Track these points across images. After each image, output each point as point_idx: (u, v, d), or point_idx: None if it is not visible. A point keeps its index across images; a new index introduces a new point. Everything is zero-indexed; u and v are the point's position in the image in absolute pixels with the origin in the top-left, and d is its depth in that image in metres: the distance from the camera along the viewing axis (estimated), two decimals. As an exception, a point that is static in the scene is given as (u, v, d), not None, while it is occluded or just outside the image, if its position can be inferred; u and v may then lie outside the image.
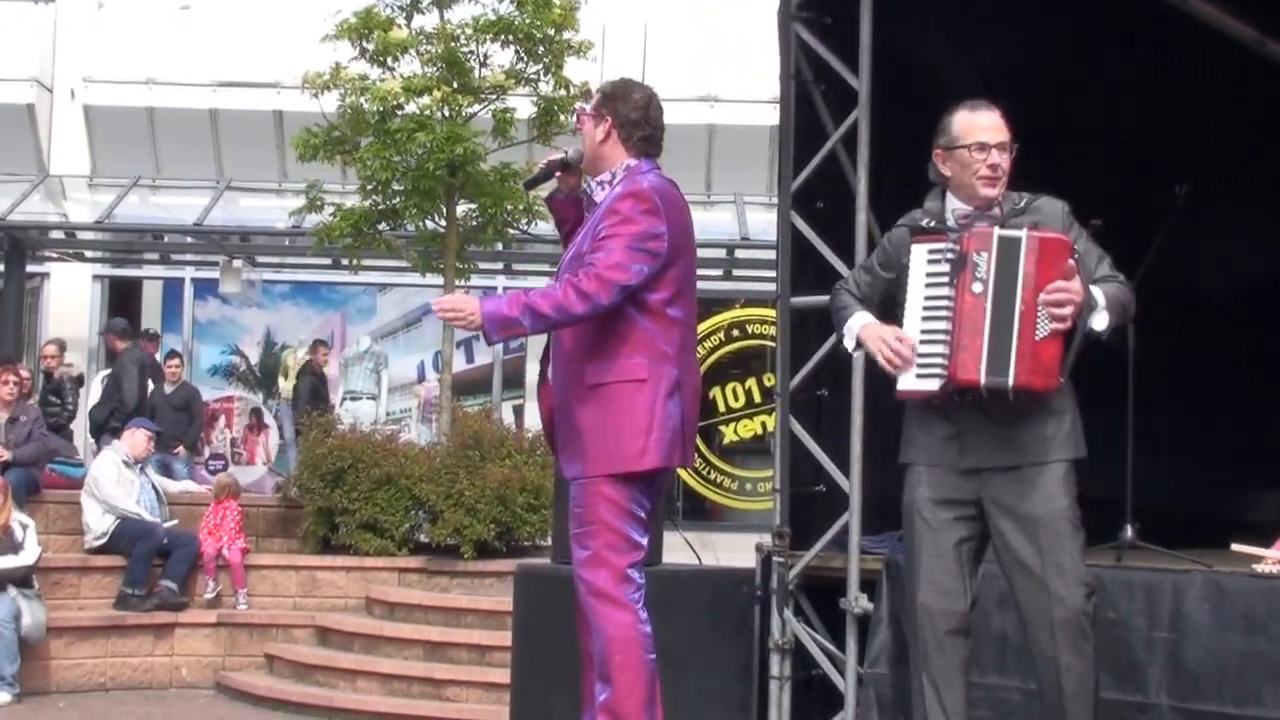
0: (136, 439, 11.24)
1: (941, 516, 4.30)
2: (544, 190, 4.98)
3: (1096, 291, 4.15)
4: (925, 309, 4.27)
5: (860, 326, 4.43)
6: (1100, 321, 4.16)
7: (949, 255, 4.23)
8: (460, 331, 14.73)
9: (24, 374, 11.36)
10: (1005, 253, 4.14)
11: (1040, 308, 4.06)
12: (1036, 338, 4.08)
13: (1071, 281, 4.05)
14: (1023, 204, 4.29)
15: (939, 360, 4.21)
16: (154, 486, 11.23)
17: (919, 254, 4.30)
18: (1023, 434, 4.19)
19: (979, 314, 4.15)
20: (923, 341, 4.26)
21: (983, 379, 4.13)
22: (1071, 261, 4.07)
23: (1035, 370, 4.09)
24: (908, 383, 4.28)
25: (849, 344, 4.53)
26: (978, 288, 4.15)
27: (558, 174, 4.66)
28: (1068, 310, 4.05)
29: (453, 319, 4.35)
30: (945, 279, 4.23)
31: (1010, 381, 4.10)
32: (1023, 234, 4.12)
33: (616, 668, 4.27)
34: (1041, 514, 4.16)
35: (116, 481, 10.83)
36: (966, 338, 4.15)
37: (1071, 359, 4.16)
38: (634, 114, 4.49)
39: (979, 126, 4.32)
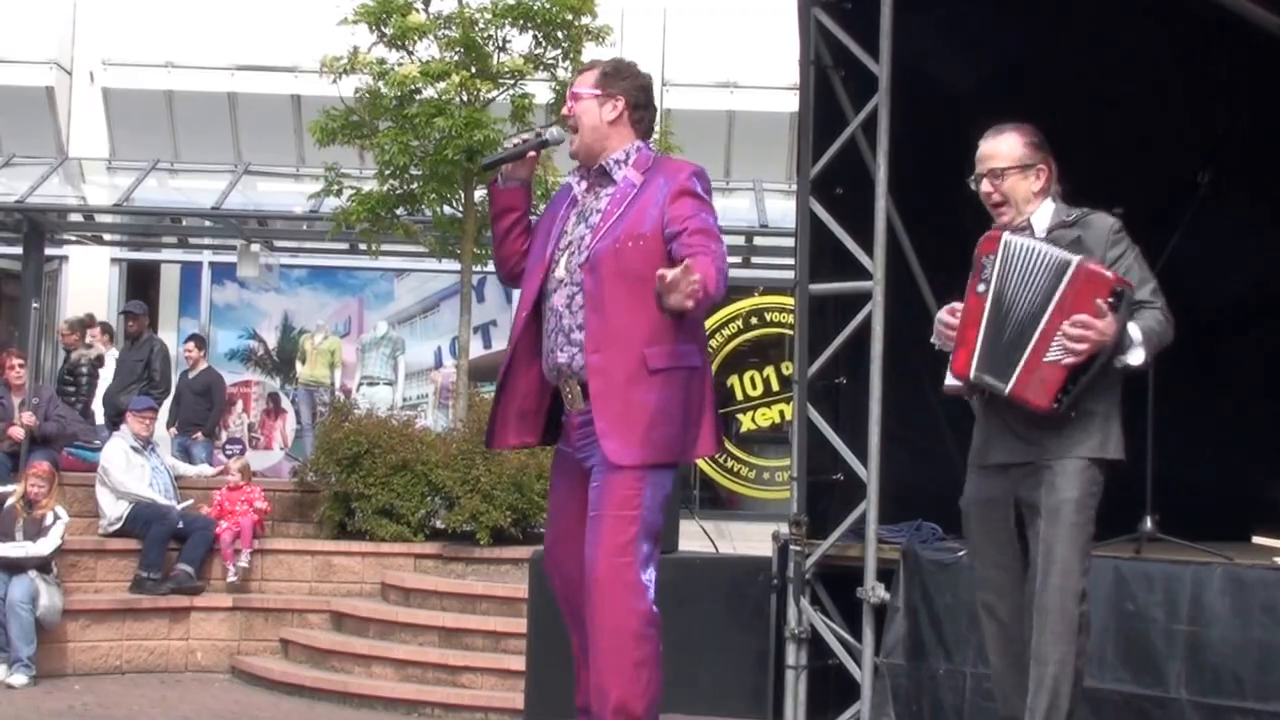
0: (136, 418, 11.24)
1: (986, 515, 4.35)
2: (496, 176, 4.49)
3: (1134, 328, 4.13)
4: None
5: None
6: (1136, 358, 4.16)
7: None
8: (477, 317, 14.77)
9: (18, 361, 11.37)
10: (1012, 258, 4.19)
11: (1059, 334, 4.08)
12: (1045, 359, 4.11)
13: (1100, 320, 4.04)
14: (1072, 218, 4.28)
15: None
16: (166, 470, 11.25)
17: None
18: (1042, 433, 4.19)
19: (978, 312, 4.24)
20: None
21: (973, 373, 4.23)
22: (1105, 302, 4.05)
23: (1032, 387, 4.12)
24: (947, 379, 4.38)
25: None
26: (981, 288, 4.24)
27: (529, 154, 4.34)
28: (1082, 346, 4.06)
29: (691, 292, 3.76)
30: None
31: (1007, 389, 4.16)
32: (1073, 259, 4.10)
33: (636, 664, 4.02)
34: (1047, 506, 4.15)
35: (126, 468, 10.85)
36: (964, 333, 4.26)
37: (1080, 388, 4.12)
38: (643, 96, 4.34)
39: (977, 158, 4.36)
